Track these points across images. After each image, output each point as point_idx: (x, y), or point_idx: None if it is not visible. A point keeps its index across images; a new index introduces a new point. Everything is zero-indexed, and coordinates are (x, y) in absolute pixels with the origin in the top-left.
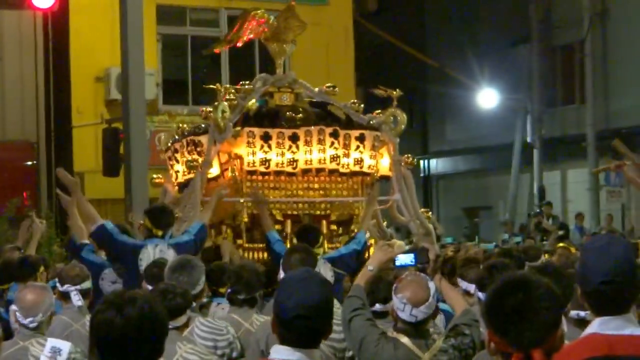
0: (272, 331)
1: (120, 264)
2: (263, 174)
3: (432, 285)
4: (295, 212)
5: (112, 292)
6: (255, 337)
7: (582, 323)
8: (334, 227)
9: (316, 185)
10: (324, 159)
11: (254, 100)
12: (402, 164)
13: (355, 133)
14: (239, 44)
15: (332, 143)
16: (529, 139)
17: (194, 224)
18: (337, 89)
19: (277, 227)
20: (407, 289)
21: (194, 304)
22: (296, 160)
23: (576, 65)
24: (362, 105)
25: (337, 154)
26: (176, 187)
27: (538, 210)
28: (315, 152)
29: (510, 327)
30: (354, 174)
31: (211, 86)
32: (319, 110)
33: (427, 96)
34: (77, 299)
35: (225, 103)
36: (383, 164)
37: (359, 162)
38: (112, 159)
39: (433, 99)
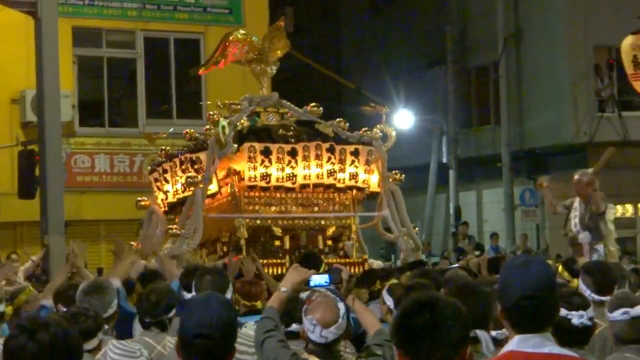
0: (177, 354)
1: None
2: (262, 189)
3: (342, 306)
4: (292, 228)
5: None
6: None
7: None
8: (329, 242)
9: (311, 201)
10: (322, 174)
11: (244, 119)
12: (391, 180)
13: (350, 148)
14: (222, 66)
15: (329, 158)
16: (444, 160)
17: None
18: (321, 108)
19: (277, 242)
20: (317, 310)
21: (106, 327)
22: (295, 175)
23: (491, 87)
24: (348, 124)
25: (333, 169)
26: (164, 208)
27: (455, 230)
28: (313, 167)
29: (419, 346)
30: (348, 188)
31: (209, 102)
32: (308, 128)
33: (343, 117)
34: None
35: (224, 119)
36: (372, 180)
37: (354, 176)
38: (27, 182)
39: (349, 119)
